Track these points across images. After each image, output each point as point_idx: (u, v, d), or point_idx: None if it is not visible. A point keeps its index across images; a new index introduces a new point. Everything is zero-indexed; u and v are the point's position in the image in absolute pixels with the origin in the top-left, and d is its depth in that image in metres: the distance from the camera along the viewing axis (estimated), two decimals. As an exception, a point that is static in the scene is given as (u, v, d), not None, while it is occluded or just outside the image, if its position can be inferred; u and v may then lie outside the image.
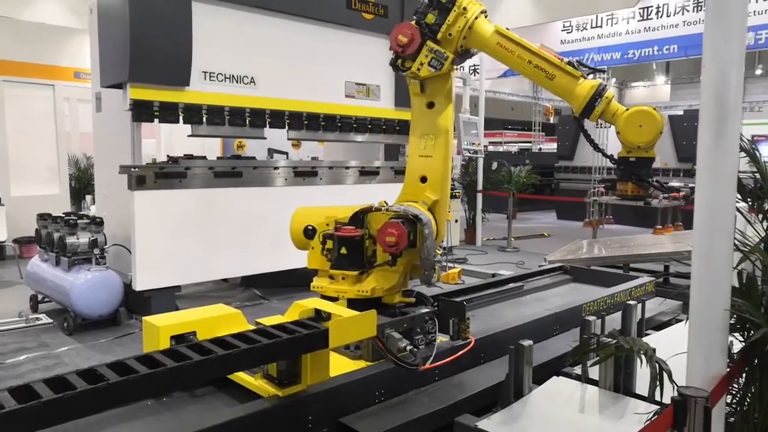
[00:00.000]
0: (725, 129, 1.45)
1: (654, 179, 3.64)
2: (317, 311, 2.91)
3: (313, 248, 3.52)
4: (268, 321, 3.03)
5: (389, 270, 3.39)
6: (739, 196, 1.86)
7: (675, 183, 13.14)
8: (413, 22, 3.34)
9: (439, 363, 3.31)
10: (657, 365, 1.82)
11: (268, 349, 2.46)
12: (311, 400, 2.79)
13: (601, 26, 12.22)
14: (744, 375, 1.69)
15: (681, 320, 4.99)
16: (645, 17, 11.61)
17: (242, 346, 2.35)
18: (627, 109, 3.39)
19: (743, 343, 1.71)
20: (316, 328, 2.65)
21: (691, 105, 19.43)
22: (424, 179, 3.56)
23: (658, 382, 1.80)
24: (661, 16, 11.41)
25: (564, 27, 12.85)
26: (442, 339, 3.55)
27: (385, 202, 3.56)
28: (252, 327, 2.80)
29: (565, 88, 3.35)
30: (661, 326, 5.05)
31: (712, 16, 1.48)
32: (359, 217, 3.45)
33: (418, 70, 3.27)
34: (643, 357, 1.77)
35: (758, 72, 19.52)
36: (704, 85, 1.51)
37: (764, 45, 10.59)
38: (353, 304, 3.35)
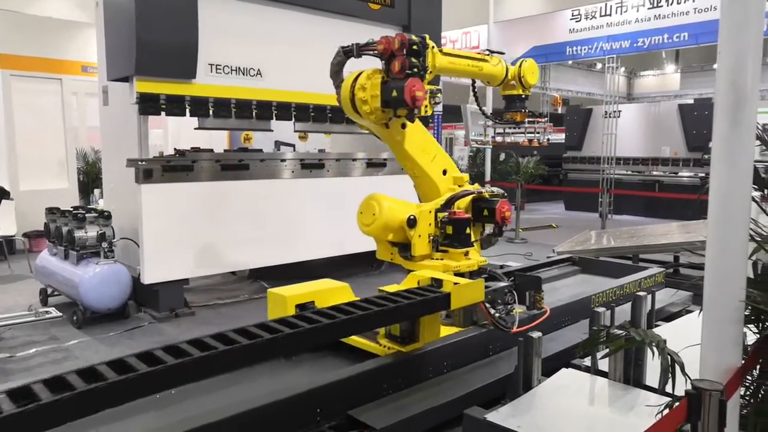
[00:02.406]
0: (741, 117, 1.42)
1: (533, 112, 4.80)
2: (434, 279, 3.39)
3: (420, 236, 3.95)
4: (389, 288, 3.48)
5: (476, 247, 4.12)
6: (753, 186, 1.83)
7: (685, 173, 13.03)
8: (412, 72, 3.66)
9: (524, 327, 3.76)
10: (669, 357, 1.80)
11: (405, 309, 2.95)
12: (427, 355, 3.30)
13: (610, 14, 12.07)
14: (758, 367, 1.66)
15: (691, 311, 4.95)
16: (655, 5, 11.46)
17: (374, 309, 2.79)
18: (520, 65, 4.51)
19: (758, 335, 1.68)
20: (440, 292, 3.15)
21: (702, 93, 19.22)
22: (444, 171, 4.26)
23: (669, 375, 1.78)
24: (671, 4, 11.25)
25: (573, 16, 12.71)
26: (518, 309, 3.97)
27: (477, 185, 4.37)
28: (356, 298, 3.26)
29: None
30: (671, 317, 5.01)
31: (728, 2, 1.44)
32: (451, 202, 4.07)
33: (426, 112, 3.74)
34: (654, 349, 1.74)
35: (769, 60, 19.27)
36: (720, 72, 1.47)
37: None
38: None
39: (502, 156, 11.65)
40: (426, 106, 3.67)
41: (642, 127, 13.71)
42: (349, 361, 3.40)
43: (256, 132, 8.10)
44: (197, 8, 5.05)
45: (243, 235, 5.75)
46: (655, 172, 13.57)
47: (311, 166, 6.28)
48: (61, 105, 9.00)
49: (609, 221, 12.66)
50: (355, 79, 3.79)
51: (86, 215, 5.15)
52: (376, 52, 3.78)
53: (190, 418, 2.51)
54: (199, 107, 5.24)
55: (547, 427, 2.72)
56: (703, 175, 12.47)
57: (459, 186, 4.25)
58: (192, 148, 5.76)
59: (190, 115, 5.25)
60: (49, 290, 5.64)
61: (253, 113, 5.60)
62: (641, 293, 4.29)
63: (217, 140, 9.26)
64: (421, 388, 3.27)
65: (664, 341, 1.80)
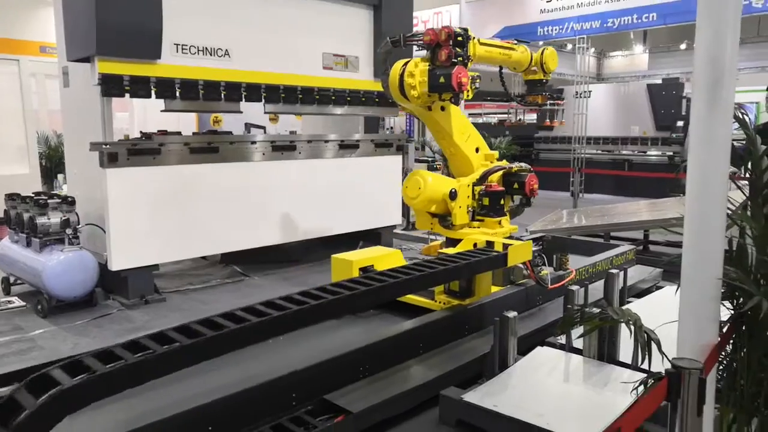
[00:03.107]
0: (720, 95, 1.40)
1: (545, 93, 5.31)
2: (488, 242, 4.12)
3: (460, 207, 4.47)
4: (449, 251, 4.04)
5: (506, 217, 4.68)
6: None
7: (653, 152, 13.24)
8: (457, 60, 4.13)
9: (559, 284, 4.38)
10: (645, 335, 1.80)
11: (474, 265, 3.53)
12: (483, 308, 3.88)
13: (580, -6, 12.11)
14: (731, 343, 1.68)
15: (661, 287, 5.05)
16: (624, -15, 11.52)
17: (450, 265, 3.35)
18: (542, 52, 5.06)
19: (731, 311, 1.69)
20: (499, 252, 3.78)
21: (669, 73, 19.48)
22: (477, 149, 4.77)
23: (646, 352, 1.78)
24: (640, -16, 11.32)
25: (543, -5, 12.71)
26: (545, 271, 4.44)
27: (506, 161, 4.86)
28: (406, 262, 3.87)
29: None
30: (642, 294, 5.10)
31: (707, -26, 1.42)
32: (485, 177, 4.61)
33: (467, 96, 4.28)
34: (631, 327, 1.74)
35: (734, 40, 19.61)
36: (698, 48, 1.45)
37: (761, 9, 10.53)
38: (454, 243, 4.45)
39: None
40: (468, 91, 4.15)
41: (612, 107, 13.86)
42: (406, 316, 3.94)
43: (226, 114, 7.95)
44: (161, -15, 4.85)
45: (213, 219, 5.63)
46: (624, 152, 13.76)
47: (282, 148, 6.16)
48: (19, 87, 8.65)
49: (580, 200, 12.83)
50: (403, 66, 4.21)
51: (48, 201, 4.97)
52: (421, 42, 4.26)
53: (247, 378, 2.74)
54: (165, 89, 5.06)
55: (524, 405, 2.74)
56: (671, 153, 12.70)
57: (490, 162, 4.75)
58: (159, 131, 5.58)
59: (156, 97, 5.08)
60: (12, 279, 5.45)
61: (222, 95, 5.44)
62: (613, 271, 4.34)
63: (186, 123, 9.04)
64: (396, 370, 3.27)
65: (640, 319, 1.80)
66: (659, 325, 1.99)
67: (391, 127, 17.04)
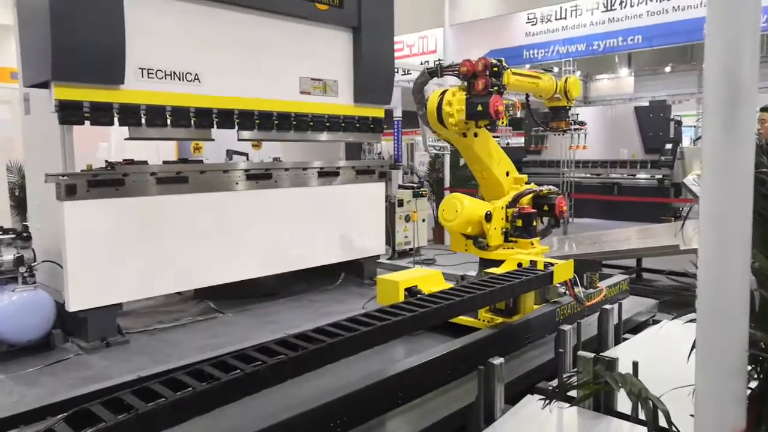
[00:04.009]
0: (738, 114, 1.12)
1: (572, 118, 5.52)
2: (532, 262, 4.25)
3: (495, 228, 4.64)
4: (496, 271, 4.18)
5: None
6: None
7: (642, 175, 13.08)
8: (492, 90, 4.35)
9: (595, 300, 4.56)
10: (651, 404, 1.49)
11: (525, 284, 3.70)
12: (526, 324, 3.99)
13: (565, 18, 12.01)
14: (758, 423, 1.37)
15: (658, 321, 4.75)
16: (609, 8, 11.44)
17: (504, 284, 3.52)
18: (566, 80, 5.30)
19: (756, 380, 1.39)
20: (545, 271, 3.93)
21: (654, 96, 19.53)
22: (507, 173, 4.96)
23: (654, 429, 1.47)
24: (624, 6, 11.25)
25: (528, 19, 12.61)
26: (577, 289, 4.52)
27: (534, 184, 5.05)
28: (449, 285, 4.00)
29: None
30: (638, 327, 4.80)
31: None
32: (517, 200, 4.78)
33: (502, 123, 4.52)
34: (633, 399, 1.44)
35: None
36: (709, 61, 1.17)
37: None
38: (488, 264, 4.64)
39: (462, 161, 11.43)
40: (503, 118, 4.36)
41: (600, 130, 13.73)
42: (449, 336, 3.99)
43: (208, 141, 7.62)
44: (123, 6, 4.59)
45: (183, 253, 5.29)
46: (613, 175, 13.60)
47: (258, 176, 5.86)
48: (-12, 115, 8.32)
49: (570, 225, 12.59)
50: (441, 96, 4.48)
51: (1, 237, 4.62)
52: (457, 72, 4.47)
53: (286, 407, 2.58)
54: (129, 116, 4.77)
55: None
56: (660, 176, 12.53)
57: (519, 185, 4.98)
58: (124, 160, 5.27)
59: (120, 124, 4.78)
60: (-36, 320, 5.05)
61: (192, 121, 5.16)
62: (607, 306, 4.05)
63: (166, 151, 8.73)
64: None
65: (645, 389, 1.49)
66: (659, 364, 1.67)
67: (379, 153, 16.86)
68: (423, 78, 4.74)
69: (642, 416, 2.67)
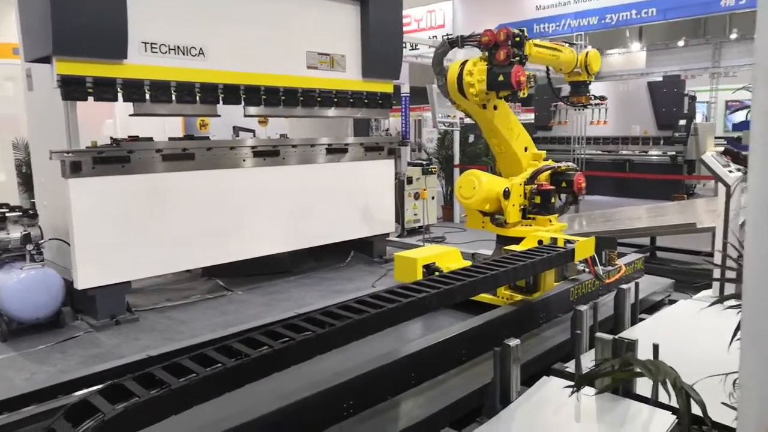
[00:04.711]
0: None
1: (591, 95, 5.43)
2: (553, 239, 4.25)
3: (513, 205, 4.58)
4: (516, 248, 4.06)
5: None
6: None
7: (654, 152, 12.85)
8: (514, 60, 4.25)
9: (613, 279, 4.42)
10: (685, 393, 1.41)
11: (546, 261, 3.57)
12: (546, 301, 3.91)
13: (577, -10, 11.72)
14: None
15: (675, 301, 4.66)
16: (623, -21, 11.14)
17: (526, 261, 3.41)
18: (586, 54, 5.15)
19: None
20: (566, 248, 3.81)
21: (667, 71, 19.13)
22: (526, 148, 4.85)
23: (687, 418, 1.39)
24: (639, -22, 10.95)
25: (539, -9, 12.32)
26: (596, 267, 4.36)
27: (552, 160, 4.90)
28: (467, 263, 4.11)
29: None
30: (653, 307, 4.72)
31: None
32: (535, 176, 4.68)
33: (524, 94, 4.31)
34: (670, 389, 1.35)
35: (733, 36, 19.21)
36: (762, 29, 1.06)
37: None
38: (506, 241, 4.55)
39: (471, 138, 11.26)
40: (524, 89, 4.26)
41: (611, 106, 13.46)
42: (465, 312, 3.94)
43: (214, 117, 7.49)
44: (125, -21, 4.46)
45: (190, 231, 5.23)
46: (624, 152, 13.37)
47: (265, 153, 5.77)
48: (-8, 91, 8.23)
49: (581, 202, 12.43)
50: (461, 66, 4.37)
51: (7, 215, 4.57)
52: (478, 43, 4.36)
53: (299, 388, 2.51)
54: (134, 91, 4.67)
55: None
56: (673, 153, 12.32)
57: (537, 162, 4.83)
58: (129, 136, 5.18)
59: (124, 100, 4.69)
60: (-27, 299, 5.04)
61: (197, 97, 5.05)
62: (624, 286, 3.96)
63: (173, 128, 8.61)
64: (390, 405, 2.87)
65: (679, 376, 1.41)
66: (678, 346, 1.60)
67: (387, 129, 16.65)
68: (443, 48, 4.66)
69: (662, 399, 2.61)
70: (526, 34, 4.42)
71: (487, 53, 4.32)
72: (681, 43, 20.10)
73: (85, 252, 4.61)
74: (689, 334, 3.53)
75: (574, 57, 5.08)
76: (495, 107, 4.54)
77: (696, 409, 1.47)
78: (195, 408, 1.93)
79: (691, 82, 17.09)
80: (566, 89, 5.76)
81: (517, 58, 4.25)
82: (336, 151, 6.39)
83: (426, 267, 4.31)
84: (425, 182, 8.87)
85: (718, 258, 4.53)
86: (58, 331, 4.62)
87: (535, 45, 4.65)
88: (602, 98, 5.58)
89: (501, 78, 4.18)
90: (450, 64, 4.55)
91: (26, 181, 9.82)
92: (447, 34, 5.90)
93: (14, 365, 4.04)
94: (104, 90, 4.49)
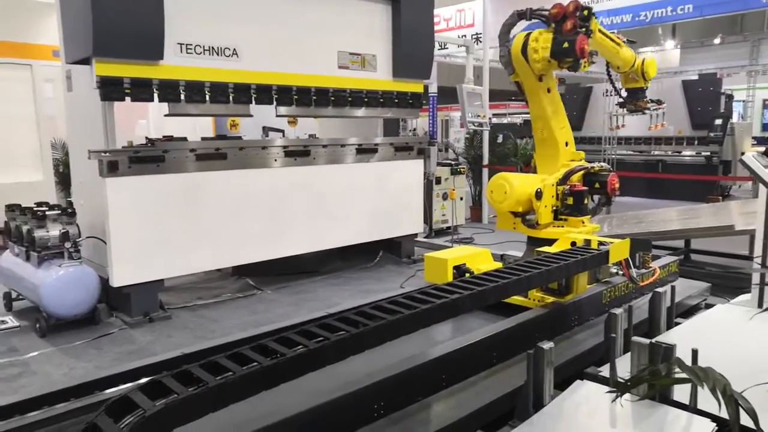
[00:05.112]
0: None
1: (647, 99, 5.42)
2: (586, 240, 4.23)
3: (546, 206, 4.56)
4: (549, 249, 4.07)
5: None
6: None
7: (688, 152, 12.57)
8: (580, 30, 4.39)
9: (647, 281, 4.36)
10: (735, 402, 1.37)
11: (581, 263, 3.53)
12: (578, 304, 3.85)
13: (610, -13, 11.52)
14: None
15: (711, 305, 4.54)
16: (657, -24, 10.91)
17: (561, 263, 3.37)
18: (643, 61, 5.18)
19: None
20: (601, 251, 3.75)
21: (702, 69, 18.69)
22: (567, 144, 4.85)
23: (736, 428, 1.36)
24: (674, -26, 10.71)
25: (571, -11, 12.17)
26: (631, 270, 4.30)
27: (585, 161, 4.88)
28: (497, 264, 4.32)
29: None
30: (688, 312, 4.61)
31: None
32: (567, 177, 4.67)
33: (584, 68, 4.44)
34: (720, 396, 1.32)
35: (771, 33, 18.68)
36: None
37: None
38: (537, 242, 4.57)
39: (500, 138, 11.17)
40: (586, 61, 4.37)
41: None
42: (495, 314, 3.94)
43: (243, 117, 7.59)
44: (162, -18, 4.54)
45: (222, 230, 5.30)
46: (656, 152, 13.10)
47: (296, 153, 5.81)
48: (32, 92, 8.46)
49: (613, 203, 12.22)
50: (527, 35, 4.51)
51: (47, 213, 4.70)
52: (546, 17, 4.51)
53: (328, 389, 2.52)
54: (169, 91, 4.75)
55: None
56: (708, 153, 12.02)
57: (572, 161, 4.83)
58: (164, 136, 5.27)
59: (159, 101, 4.77)
60: (14, 294, 5.19)
61: (230, 97, 5.12)
62: (659, 289, 3.88)
63: (203, 128, 8.75)
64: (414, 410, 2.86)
65: (729, 383, 1.37)
66: (717, 351, 1.55)
67: (414, 129, 16.64)
68: (512, 19, 4.78)
69: (701, 406, 2.54)
70: (593, 10, 4.56)
71: (553, 26, 4.45)
72: (717, 40, 19.58)
73: (121, 250, 4.71)
74: (728, 339, 3.44)
75: (633, 55, 5.09)
76: (549, 90, 4.65)
77: (744, 419, 1.42)
78: (229, 406, 1.95)
79: (727, 80, 16.67)
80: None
81: (583, 29, 4.37)
82: (366, 151, 6.40)
83: (456, 268, 4.31)
84: (454, 182, 8.83)
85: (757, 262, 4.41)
86: (93, 327, 4.73)
87: (600, 31, 4.71)
88: (659, 102, 5.57)
89: (566, 44, 4.29)
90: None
91: (63, 180, 10.09)
92: (476, 33, 6.06)
93: (52, 360, 4.14)
94: (141, 90, 4.58)
